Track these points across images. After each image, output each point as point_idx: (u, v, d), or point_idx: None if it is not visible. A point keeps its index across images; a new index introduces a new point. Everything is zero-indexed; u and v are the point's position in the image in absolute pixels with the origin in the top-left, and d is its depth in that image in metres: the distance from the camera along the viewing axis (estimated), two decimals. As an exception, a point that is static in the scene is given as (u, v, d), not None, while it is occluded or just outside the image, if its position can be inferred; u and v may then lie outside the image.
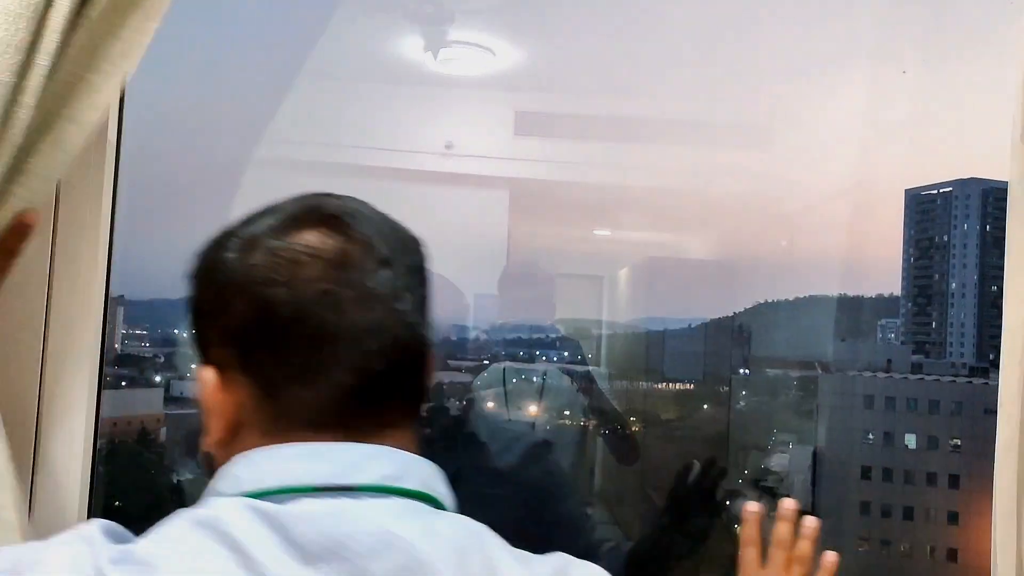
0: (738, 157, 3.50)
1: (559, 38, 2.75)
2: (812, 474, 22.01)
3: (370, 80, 2.96)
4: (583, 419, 2.24)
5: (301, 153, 3.45)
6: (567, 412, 2.28)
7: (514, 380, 2.29)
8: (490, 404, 2.23)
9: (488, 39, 2.57)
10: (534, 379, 2.29)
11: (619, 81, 3.05)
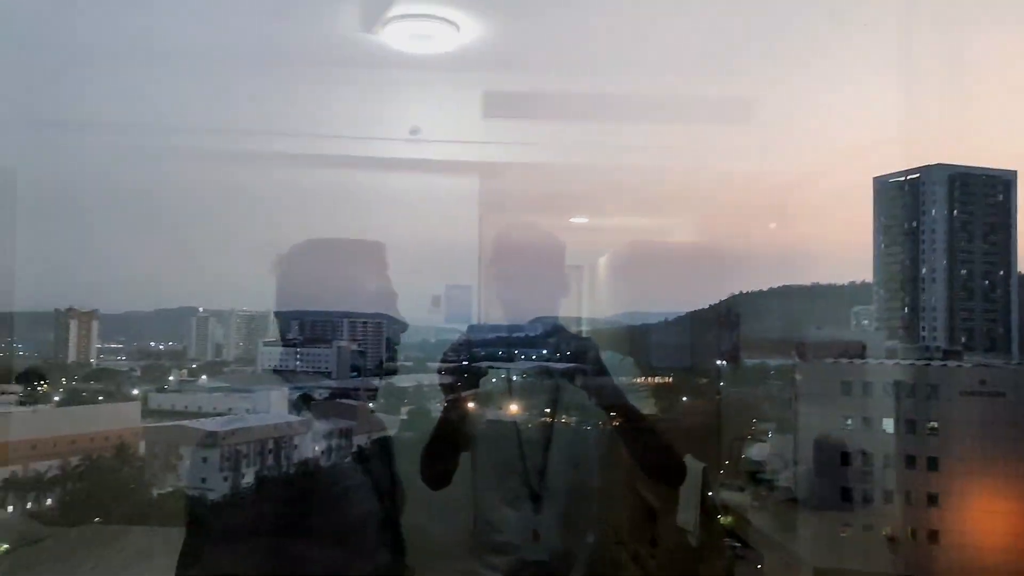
0: (716, 136, 3.38)
1: (527, 11, 2.60)
2: (794, 461, 22.06)
3: (325, 63, 2.77)
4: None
5: (253, 143, 3.26)
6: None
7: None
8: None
9: (450, 12, 2.39)
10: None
11: (593, 58, 2.90)
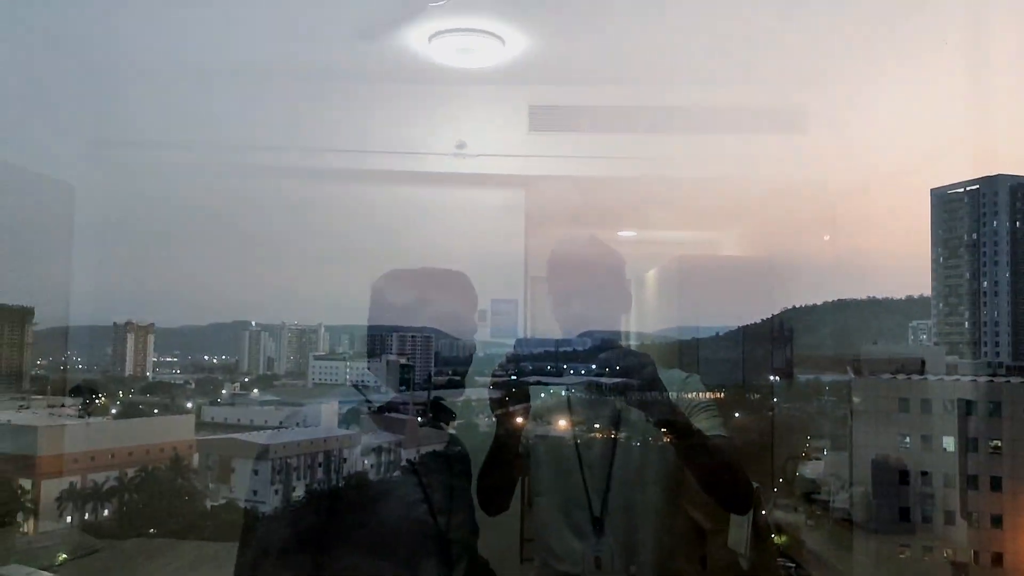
0: (766, 146, 3.30)
1: (572, 23, 2.57)
2: (850, 480, 21.54)
3: (372, 79, 2.79)
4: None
5: (304, 160, 3.30)
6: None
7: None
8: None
9: (496, 25, 2.39)
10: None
11: (638, 69, 2.86)
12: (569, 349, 2.02)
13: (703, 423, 1.87)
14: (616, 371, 1.80)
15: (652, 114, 3.03)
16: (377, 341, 2.10)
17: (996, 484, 19.02)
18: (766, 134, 3.06)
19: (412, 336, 2.07)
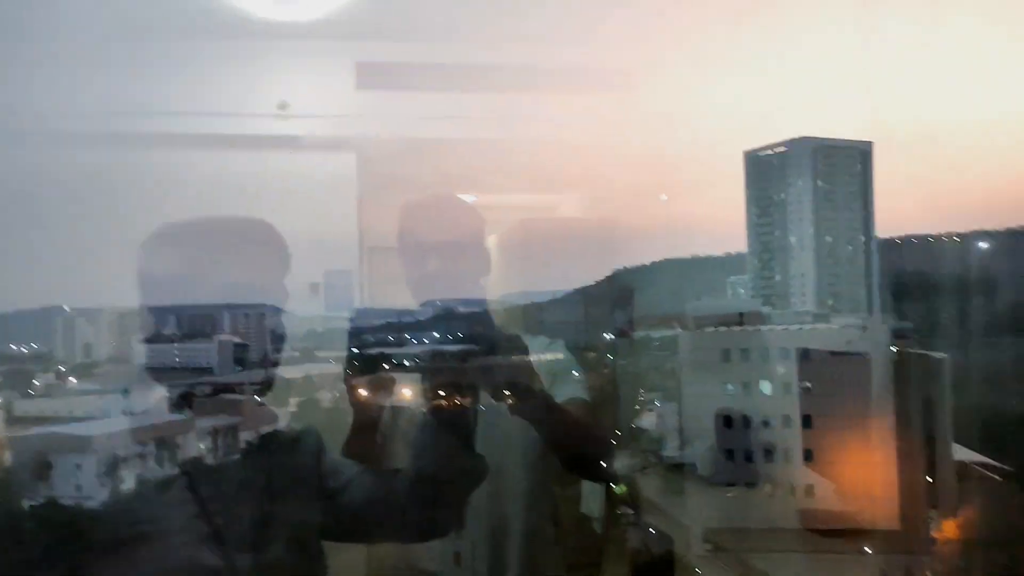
0: (598, 103, 3.32)
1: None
2: (679, 427, 22.88)
3: (180, 35, 2.54)
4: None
5: (102, 126, 2.97)
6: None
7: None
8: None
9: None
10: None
11: (472, 25, 2.79)
12: (412, 320, 1.93)
13: (563, 389, 1.82)
14: (465, 339, 1.72)
15: (489, 73, 2.96)
16: (207, 320, 1.92)
17: (807, 422, 20.87)
18: (601, 95, 3.07)
19: (245, 314, 1.93)
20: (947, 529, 19.56)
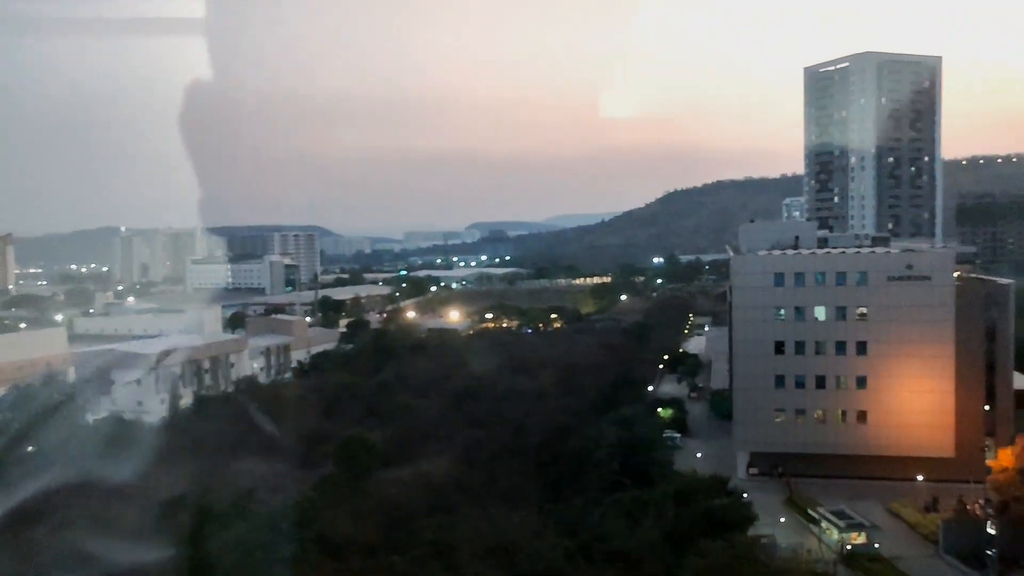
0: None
1: None
2: (729, 353, 22.75)
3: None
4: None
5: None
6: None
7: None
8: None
9: None
10: None
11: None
12: (458, 242, 1.83)
13: None
14: None
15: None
16: (257, 242, 1.86)
17: (862, 348, 20.48)
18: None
19: (295, 235, 1.87)
20: (1003, 457, 19.29)
